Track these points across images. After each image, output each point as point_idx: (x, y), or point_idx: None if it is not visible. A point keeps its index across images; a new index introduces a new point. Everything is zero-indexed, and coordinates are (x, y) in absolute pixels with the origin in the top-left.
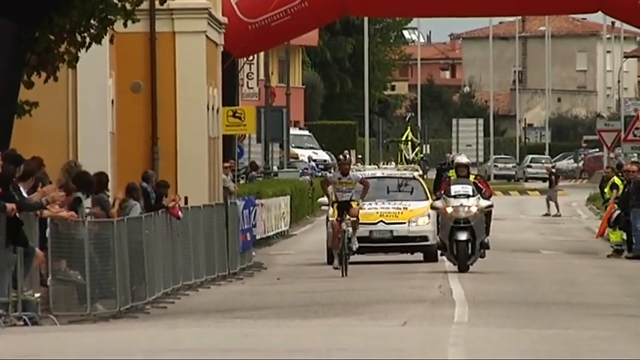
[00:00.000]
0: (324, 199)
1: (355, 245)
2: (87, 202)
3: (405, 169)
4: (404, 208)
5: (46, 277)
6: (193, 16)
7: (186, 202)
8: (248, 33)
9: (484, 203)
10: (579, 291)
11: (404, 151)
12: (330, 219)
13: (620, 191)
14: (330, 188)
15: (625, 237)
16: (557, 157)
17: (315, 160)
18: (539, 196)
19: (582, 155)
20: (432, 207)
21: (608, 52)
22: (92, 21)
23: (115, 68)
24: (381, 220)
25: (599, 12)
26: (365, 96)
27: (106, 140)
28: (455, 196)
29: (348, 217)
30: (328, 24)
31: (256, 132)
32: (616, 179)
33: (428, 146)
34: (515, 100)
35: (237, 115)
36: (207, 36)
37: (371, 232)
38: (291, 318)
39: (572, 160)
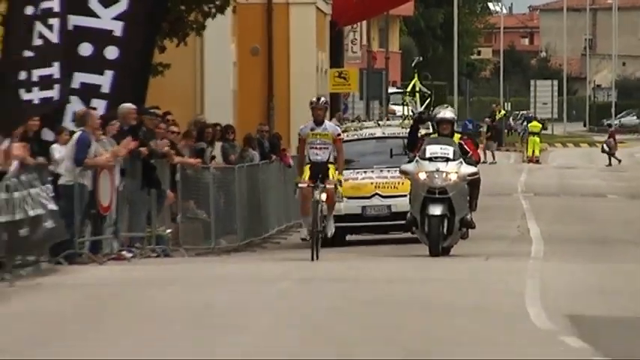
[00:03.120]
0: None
1: (331, 230)
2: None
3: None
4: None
5: (176, 215)
6: None
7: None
8: (352, 4)
9: (467, 170)
10: None
11: (410, 105)
12: (300, 185)
13: None
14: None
15: None
16: (622, 113)
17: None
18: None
19: None
20: (402, 171)
21: None
22: None
23: (236, 35)
24: (377, 193)
25: None
26: (454, 60)
27: (228, 97)
28: (430, 159)
29: (320, 183)
30: None
31: (359, 91)
32: None
33: (509, 104)
34: (585, 64)
35: (342, 75)
36: (317, 7)
37: (364, 207)
38: (390, 255)
39: (635, 117)
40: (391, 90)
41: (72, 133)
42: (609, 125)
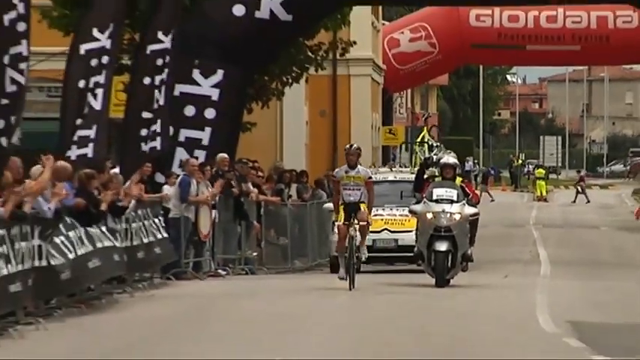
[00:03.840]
0: (330, 205)
1: (364, 255)
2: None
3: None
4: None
5: (260, 241)
6: (362, 64)
7: None
8: (400, 76)
9: (469, 210)
10: (629, 255)
11: (419, 154)
12: (336, 223)
13: None
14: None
15: None
16: (612, 162)
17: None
18: (603, 190)
19: (629, 161)
20: (410, 211)
21: None
22: (294, 68)
23: (308, 100)
24: (386, 229)
25: None
26: (480, 120)
27: (302, 149)
28: (437, 201)
29: (356, 221)
30: (455, 70)
31: (405, 144)
32: None
33: (524, 155)
34: (583, 124)
35: (391, 132)
36: (372, 78)
37: (374, 240)
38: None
39: (621, 165)
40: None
41: (178, 176)
42: (578, 171)
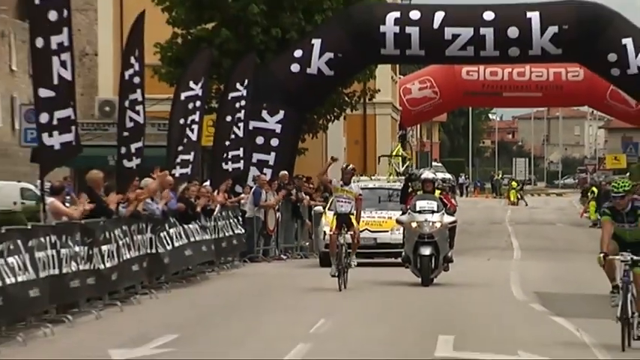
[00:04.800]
0: (319, 208)
1: (354, 263)
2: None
3: (395, 181)
4: (388, 217)
5: (311, 234)
6: (384, 107)
7: None
8: (411, 115)
9: (448, 219)
10: (578, 244)
11: (393, 165)
12: (328, 232)
13: (596, 194)
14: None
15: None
16: (565, 177)
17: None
18: (558, 197)
19: (577, 177)
20: (398, 221)
21: (590, 125)
22: (335, 109)
23: (346, 132)
24: (367, 229)
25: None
26: (469, 146)
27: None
28: (420, 212)
29: (346, 231)
30: (451, 110)
31: (416, 163)
32: (593, 188)
33: (501, 172)
34: (544, 149)
35: (406, 155)
36: (391, 116)
37: None
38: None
39: (572, 179)
40: (435, 163)
41: (251, 187)
42: (492, 177)
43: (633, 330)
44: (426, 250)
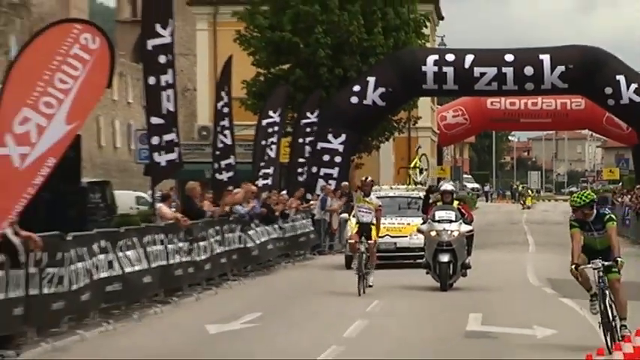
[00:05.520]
0: (345, 215)
1: (371, 281)
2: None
3: (413, 190)
4: (407, 223)
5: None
6: (425, 131)
7: None
8: (446, 137)
9: (465, 228)
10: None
11: (412, 176)
12: (349, 234)
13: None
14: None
15: None
16: (570, 186)
17: (472, 188)
18: (565, 202)
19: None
20: (418, 230)
21: (590, 145)
22: (385, 132)
23: (395, 151)
24: (387, 234)
25: (587, 129)
26: (493, 162)
27: (390, 180)
28: (439, 221)
29: (366, 240)
30: (479, 133)
31: (450, 176)
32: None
33: (519, 182)
34: (553, 164)
35: (442, 169)
36: (431, 138)
37: (379, 244)
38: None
39: (575, 188)
40: (465, 176)
41: (319, 195)
42: (511, 186)
43: (617, 334)
44: (445, 257)
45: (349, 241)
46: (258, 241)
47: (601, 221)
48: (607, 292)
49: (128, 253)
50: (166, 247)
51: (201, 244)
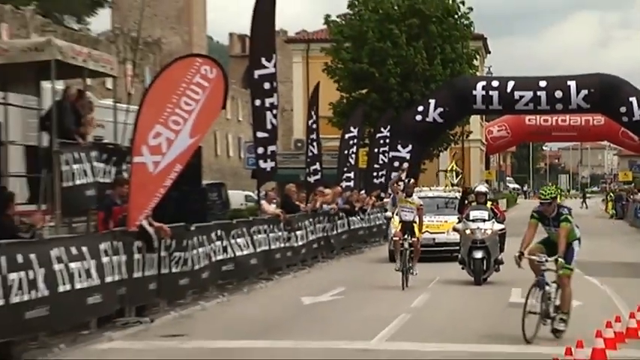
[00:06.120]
0: (388, 213)
1: (416, 270)
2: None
3: (450, 191)
4: (444, 221)
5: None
6: (475, 142)
7: None
8: (492, 147)
9: (498, 226)
10: (602, 229)
11: (449, 178)
12: (393, 230)
13: (613, 197)
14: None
15: (614, 212)
16: (592, 186)
17: (513, 188)
18: (588, 200)
19: (600, 186)
20: (454, 229)
21: (608, 153)
22: (444, 143)
23: (450, 158)
24: (427, 230)
25: (606, 141)
26: (530, 167)
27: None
28: (473, 220)
29: (409, 237)
30: (518, 144)
31: (496, 179)
32: (611, 193)
33: (551, 183)
34: (578, 169)
35: (490, 173)
36: (480, 148)
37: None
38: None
39: (596, 188)
40: (508, 178)
41: (390, 194)
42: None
43: (555, 322)
44: (479, 254)
45: (393, 238)
46: (344, 229)
47: (558, 219)
48: (547, 288)
49: (239, 240)
50: (268, 236)
51: (298, 232)
